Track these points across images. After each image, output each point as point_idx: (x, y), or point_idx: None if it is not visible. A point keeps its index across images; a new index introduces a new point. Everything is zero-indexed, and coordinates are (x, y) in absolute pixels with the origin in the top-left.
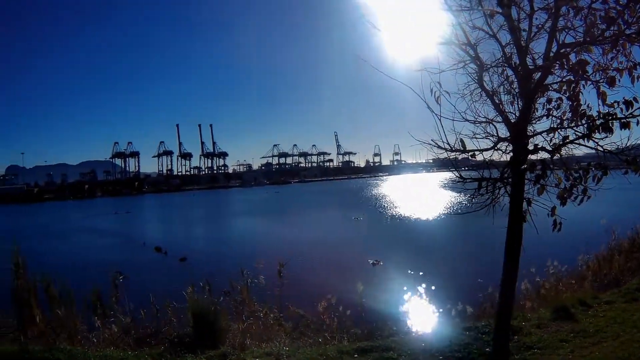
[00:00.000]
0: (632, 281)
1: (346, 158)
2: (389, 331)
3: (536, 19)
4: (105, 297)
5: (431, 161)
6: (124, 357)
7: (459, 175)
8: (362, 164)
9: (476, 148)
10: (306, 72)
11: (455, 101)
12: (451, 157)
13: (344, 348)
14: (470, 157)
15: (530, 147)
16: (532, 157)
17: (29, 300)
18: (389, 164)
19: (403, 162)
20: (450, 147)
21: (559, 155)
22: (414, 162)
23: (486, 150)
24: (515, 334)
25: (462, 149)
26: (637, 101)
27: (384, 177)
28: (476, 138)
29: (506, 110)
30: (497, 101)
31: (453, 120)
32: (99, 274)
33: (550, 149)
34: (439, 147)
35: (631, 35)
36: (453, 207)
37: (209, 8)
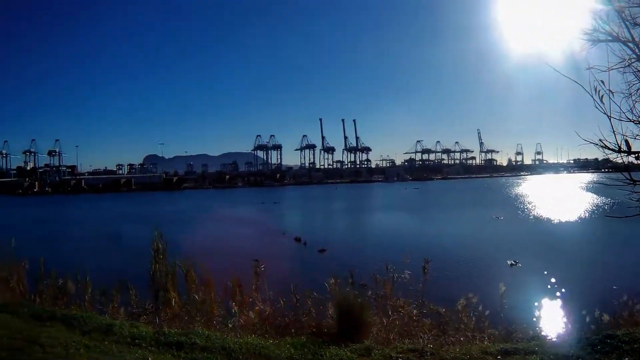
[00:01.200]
0: None
1: (488, 156)
2: (528, 334)
3: None
4: (245, 284)
5: (572, 162)
6: (265, 346)
7: (628, 177)
8: (504, 163)
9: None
10: (447, 68)
11: (619, 101)
12: (617, 159)
13: (487, 348)
14: (635, 159)
15: None
16: None
17: (166, 284)
18: (530, 163)
19: (545, 161)
20: (619, 147)
21: None
22: (556, 162)
23: None
24: None
25: (627, 150)
26: None
27: (526, 176)
28: (638, 139)
29: None
30: None
31: (620, 120)
32: (239, 261)
33: None
34: (607, 147)
35: None
36: (596, 209)
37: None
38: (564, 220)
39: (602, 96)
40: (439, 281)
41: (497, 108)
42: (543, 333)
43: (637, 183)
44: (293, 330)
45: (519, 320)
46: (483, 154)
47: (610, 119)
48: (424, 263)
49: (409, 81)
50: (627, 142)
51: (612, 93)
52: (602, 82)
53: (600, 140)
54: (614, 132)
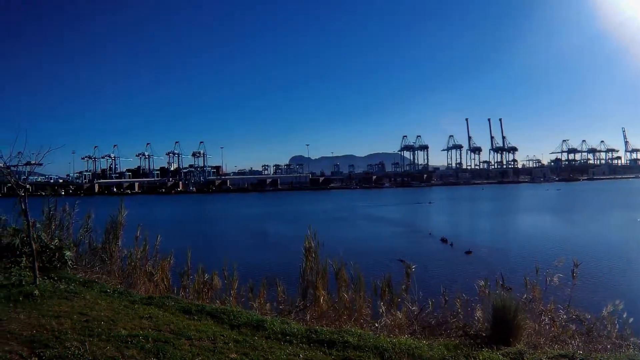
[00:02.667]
0: None
1: (634, 156)
2: None
3: None
4: (394, 284)
5: None
6: (418, 346)
7: None
8: None
9: None
10: (591, 64)
11: None
12: None
13: (636, 357)
14: None
15: None
16: None
17: (315, 282)
18: None
19: None
20: None
21: None
22: None
23: None
24: None
25: None
26: None
27: None
28: None
29: None
30: None
31: None
32: (385, 261)
33: None
34: None
35: None
36: None
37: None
38: None
39: None
40: (585, 286)
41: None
42: None
43: None
44: (442, 332)
45: None
46: (628, 154)
47: None
48: (573, 267)
49: (553, 79)
50: None
51: None
52: None
53: None
54: None
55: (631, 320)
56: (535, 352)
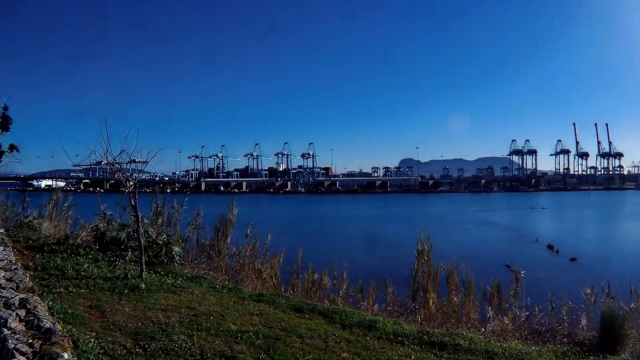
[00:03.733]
0: None
1: None
2: None
3: None
4: (504, 289)
5: None
6: (527, 352)
7: None
8: None
9: None
10: None
11: None
12: None
13: None
14: None
15: None
16: None
17: (426, 285)
18: None
19: None
20: None
21: None
22: None
23: None
24: None
25: None
26: None
27: None
28: None
29: None
30: None
31: None
32: (491, 266)
33: None
34: None
35: None
36: None
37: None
38: None
39: None
40: None
41: None
42: None
43: None
44: (548, 338)
45: None
46: None
47: None
48: None
49: None
50: None
51: None
52: None
53: None
54: None
55: None
56: None
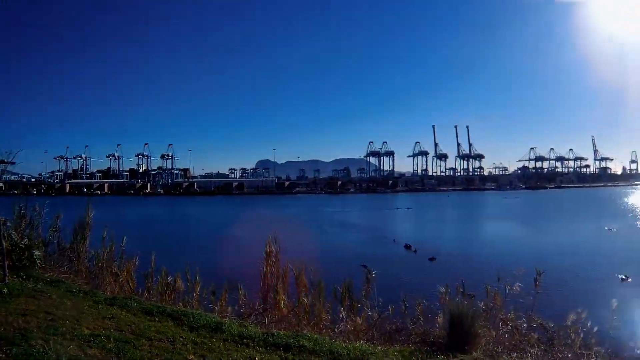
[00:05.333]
0: None
1: (602, 164)
2: (636, 353)
3: None
4: (355, 289)
5: None
6: (372, 352)
7: None
8: (619, 171)
9: None
10: (560, 73)
11: None
12: None
13: None
14: None
15: None
16: None
17: (276, 286)
18: None
19: None
20: None
21: None
22: None
23: None
24: None
25: None
26: None
27: None
28: None
29: None
30: None
31: None
32: (348, 266)
33: None
34: None
35: None
36: None
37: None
38: None
39: None
40: (548, 294)
41: (611, 113)
42: None
43: None
44: (400, 338)
45: (627, 339)
46: (597, 162)
47: None
48: (536, 275)
49: (522, 87)
50: None
51: None
52: None
53: None
54: None
55: (596, 329)
56: None
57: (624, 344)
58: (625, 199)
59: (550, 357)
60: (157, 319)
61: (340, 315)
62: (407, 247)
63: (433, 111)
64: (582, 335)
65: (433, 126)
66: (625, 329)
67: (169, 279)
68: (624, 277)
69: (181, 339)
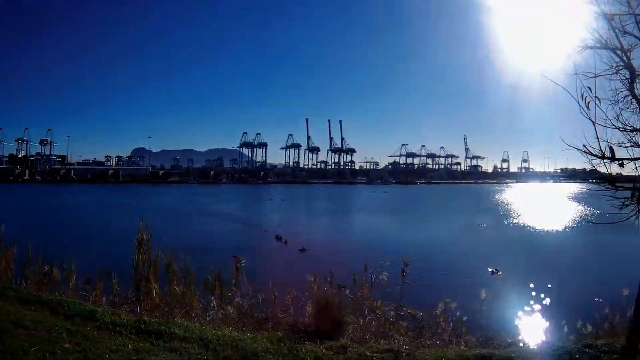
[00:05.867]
0: None
1: (474, 162)
2: (506, 341)
3: None
4: (225, 279)
5: (559, 171)
6: (241, 339)
7: (609, 182)
8: (490, 169)
9: (627, 157)
10: (436, 72)
11: (605, 108)
12: (599, 166)
13: (464, 353)
14: (619, 166)
15: None
16: None
17: (148, 275)
18: (516, 171)
19: (531, 169)
20: (602, 153)
21: None
22: (542, 170)
23: (639, 159)
24: None
25: (611, 156)
26: None
27: (511, 184)
28: (623, 147)
29: None
30: None
31: (605, 126)
32: (219, 257)
33: None
34: (590, 153)
35: None
36: (583, 220)
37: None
38: (548, 229)
39: (589, 102)
40: (419, 286)
41: (484, 114)
42: (521, 341)
43: (620, 189)
44: (270, 326)
45: (498, 328)
46: (468, 160)
47: (594, 125)
48: (403, 265)
49: (397, 84)
50: (611, 149)
51: (599, 100)
52: (589, 88)
53: (584, 145)
54: (597, 138)
55: (465, 318)
56: (360, 346)
57: (494, 332)
58: (496, 196)
59: (419, 344)
60: (33, 308)
61: (212, 304)
62: (278, 238)
63: (308, 105)
64: (452, 325)
65: (306, 119)
66: (494, 318)
67: (46, 268)
68: (494, 270)
69: (57, 328)
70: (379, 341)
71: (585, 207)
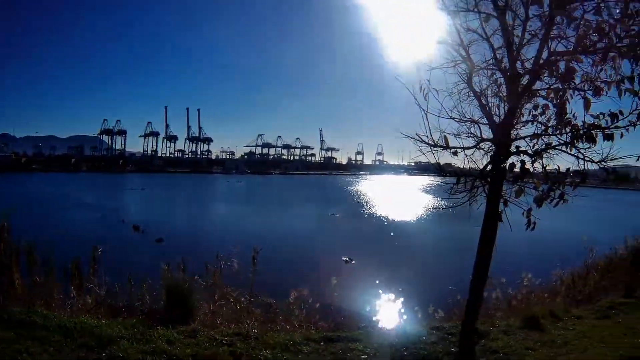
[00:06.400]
0: (605, 299)
1: (329, 154)
2: (356, 325)
3: (530, 25)
4: (83, 268)
5: (413, 164)
6: (97, 325)
7: (438, 168)
8: (344, 161)
9: (459, 145)
10: (294, 65)
11: (443, 99)
12: (434, 152)
13: (311, 335)
14: (452, 155)
15: (513, 149)
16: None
17: (9, 264)
18: (370, 163)
19: (385, 162)
20: (434, 142)
21: (540, 160)
22: (396, 163)
23: (468, 148)
24: (482, 337)
25: (445, 145)
26: (622, 114)
27: (365, 176)
28: (460, 137)
29: (492, 113)
30: (483, 102)
31: (439, 117)
32: (80, 246)
33: (532, 152)
34: (423, 141)
35: (622, 49)
36: (432, 209)
37: None
38: (400, 219)
39: (427, 94)
40: (273, 275)
41: (341, 108)
42: (373, 325)
43: (446, 175)
44: (126, 314)
45: (351, 314)
46: (323, 152)
47: (426, 115)
48: (253, 253)
49: (254, 74)
50: (445, 138)
51: (437, 91)
52: (429, 80)
53: (416, 134)
54: (428, 127)
55: (317, 305)
56: (210, 330)
57: (346, 318)
58: (349, 188)
59: (268, 328)
60: None
61: (71, 294)
62: (136, 227)
63: (169, 93)
64: (305, 312)
65: (165, 107)
66: (347, 305)
67: None
68: (347, 259)
69: None
70: (230, 325)
71: (434, 197)
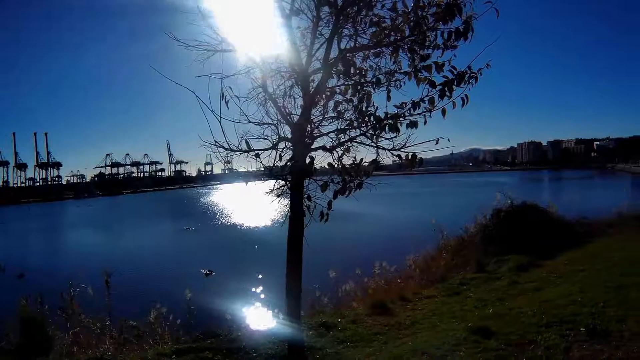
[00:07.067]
0: (456, 277)
1: (178, 167)
2: (213, 334)
3: (321, 27)
4: None
5: (262, 170)
6: None
7: (267, 174)
8: (194, 173)
9: (260, 148)
10: (129, 81)
11: (248, 105)
12: (231, 157)
13: (163, 351)
14: (254, 158)
15: (314, 146)
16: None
17: None
18: (220, 172)
19: (235, 170)
20: (236, 147)
21: (347, 154)
22: (246, 170)
23: (268, 149)
24: (330, 329)
25: (247, 148)
26: (424, 102)
27: (216, 185)
28: (265, 139)
29: (292, 113)
30: (279, 104)
31: (239, 122)
32: None
33: (329, 147)
34: (223, 147)
35: (397, 42)
36: (276, 213)
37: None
38: (252, 226)
39: (228, 101)
40: (132, 296)
41: (185, 117)
42: (230, 332)
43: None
44: None
45: (211, 324)
46: (172, 166)
47: (220, 120)
48: (105, 277)
49: (100, 90)
50: (247, 142)
51: (238, 98)
52: (231, 88)
53: (215, 141)
54: (223, 132)
55: (179, 321)
56: (66, 359)
57: (209, 329)
58: (201, 199)
59: (124, 349)
60: None
61: None
62: None
63: (16, 116)
64: (167, 328)
65: (13, 134)
66: (211, 316)
67: None
68: (207, 272)
69: None
70: (87, 352)
71: (283, 200)
